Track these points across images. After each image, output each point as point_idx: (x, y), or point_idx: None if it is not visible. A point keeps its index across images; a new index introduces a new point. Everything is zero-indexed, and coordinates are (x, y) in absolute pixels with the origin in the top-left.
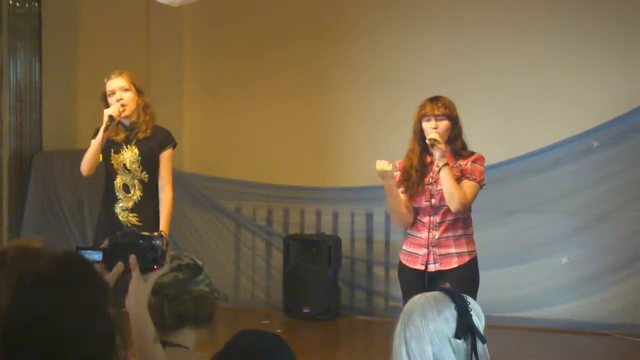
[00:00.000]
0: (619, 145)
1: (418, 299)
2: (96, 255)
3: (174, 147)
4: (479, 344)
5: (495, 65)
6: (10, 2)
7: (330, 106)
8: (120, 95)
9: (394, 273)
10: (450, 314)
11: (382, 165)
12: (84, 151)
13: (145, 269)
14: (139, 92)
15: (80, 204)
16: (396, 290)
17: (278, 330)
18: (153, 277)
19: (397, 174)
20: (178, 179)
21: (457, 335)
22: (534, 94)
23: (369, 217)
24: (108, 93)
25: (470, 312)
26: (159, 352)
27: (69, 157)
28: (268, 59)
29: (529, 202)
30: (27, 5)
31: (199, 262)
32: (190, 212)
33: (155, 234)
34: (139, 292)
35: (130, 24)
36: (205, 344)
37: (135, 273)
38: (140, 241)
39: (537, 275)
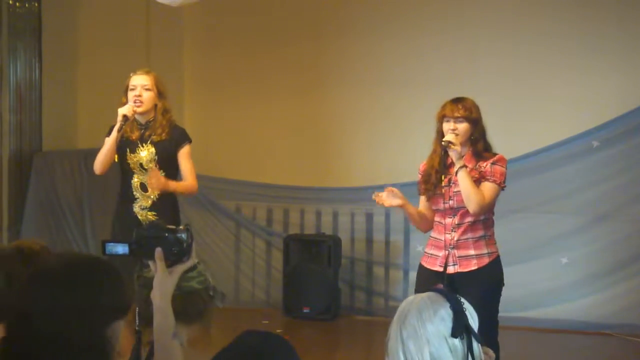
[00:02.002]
0: (619, 145)
1: (413, 299)
2: (121, 248)
3: (189, 143)
4: (474, 344)
5: (495, 66)
6: (10, 2)
7: (330, 106)
8: (140, 92)
9: (394, 273)
10: (446, 313)
11: (396, 202)
12: (84, 151)
13: (170, 263)
14: (161, 94)
15: (80, 204)
16: (396, 290)
17: (278, 330)
18: (178, 270)
19: (420, 176)
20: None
21: (453, 334)
22: (533, 94)
23: (369, 217)
24: (130, 87)
25: (465, 312)
26: (177, 348)
27: (69, 157)
28: (268, 59)
29: (529, 202)
30: (27, 5)
31: (195, 260)
32: (190, 212)
33: (181, 227)
34: (163, 286)
35: (130, 24)
36: (199, 343)
37: (161, 266)
38: (166, 234)
39: (537, 275)
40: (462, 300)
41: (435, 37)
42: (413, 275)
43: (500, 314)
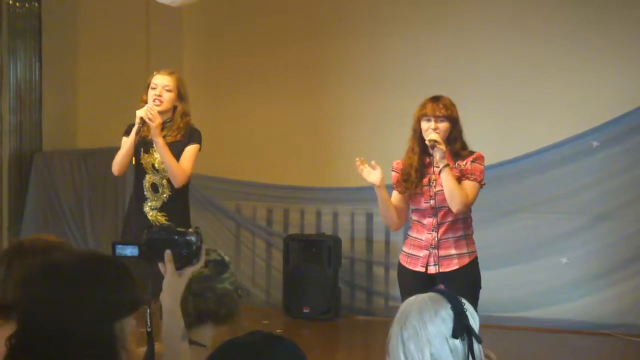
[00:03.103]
0: (619, 145)
1: (414, 299)
2: (130, 250)
3: (199, 145)
4: (475, 345)
5: (496, 66)
6: (10, 1)
7: (330, 106)
8: (160, 91)
9: (394, 273)
10: (446, 314)
11: (373, 178)
12: (84, 151)
13: (179, 265)
14: (182, 97)
15: (80, 204)
16: (396, 290)
17: (278, 330)
18: (187, 272)
19: (394, 174)
20: None
21: (454, 335)
22: (534, 95)
23: (369, 217)
24: (151, 86)
25: (466, 312)
26: (185, 349)
27: (69, 157)
28: (268, 59)
29: (529, 202)
30: (27, 5)
31: (227, 259)
32: (190, 212)
33: (191, 230)
34: (172, 288)
35: (130, 24)
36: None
37: (170, 268)
38: (176, 237)
39: (537, 275)
40: (463, 301)
41: (436, 37)
42: None
43: (500, 314)
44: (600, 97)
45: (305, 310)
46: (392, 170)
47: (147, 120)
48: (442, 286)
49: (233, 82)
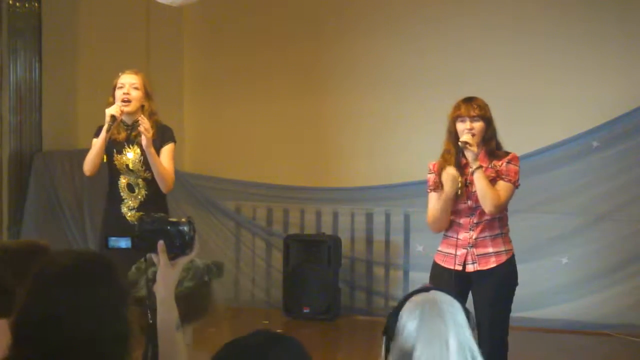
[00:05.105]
0: (619, 145)
1: (426, 296)
2: (124, 242)
3: (174, 142)
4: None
5: (496, 66)
6: (10, 1)
7: (330, 106)
8: (128, 90)
9: (394, 273)
10: (458, 306)
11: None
12: (84, 151)
13: (173, 255)
14: (148, 95)
15: (80, 204)
16: (396, 290)
17: (278, 331)
18: (181, 262)
19: (431, 176)
20: (178, 179)
21: (472, 325)
22: (533, 95)
23: (369, 217)
24: (118, 86)
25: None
26: (179, 340)
27: (69, 157)
28: (268, 59)
29: (529, 202)
30: (27, 5)
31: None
32: (190, 212)
33: (183, 220)
34: (166, 278)
35: (130, 24)
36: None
37: (163, 259)
38: (168, 227)
39: (537, 275)
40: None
41: (436, 38)
42: (413, 275)
43: None
44: (600, 97)
45: (305, 310)
46: (429, 173)
47: (142, 130)
48: (427, 284)
49: (233, 82)
